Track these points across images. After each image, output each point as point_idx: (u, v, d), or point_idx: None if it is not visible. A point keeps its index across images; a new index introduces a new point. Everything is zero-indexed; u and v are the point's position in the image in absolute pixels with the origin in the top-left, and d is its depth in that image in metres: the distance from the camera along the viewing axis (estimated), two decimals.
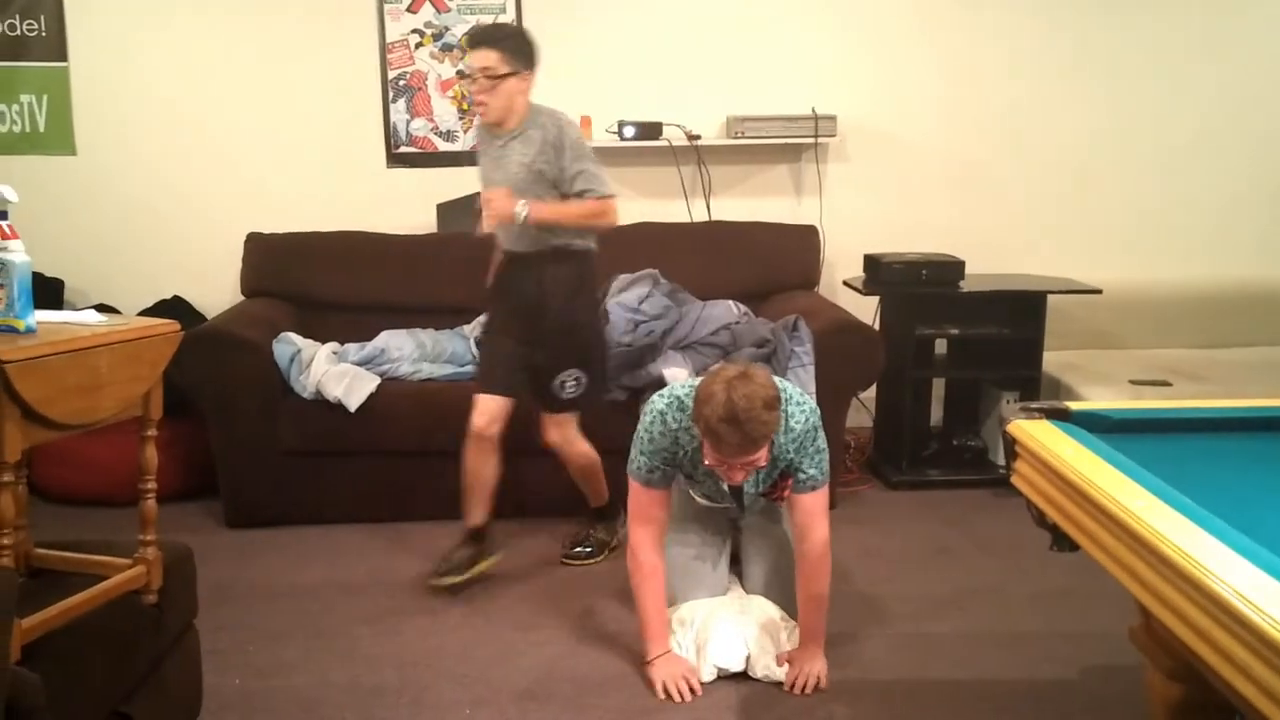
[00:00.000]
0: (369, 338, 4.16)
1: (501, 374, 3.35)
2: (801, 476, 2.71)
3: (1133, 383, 4.19)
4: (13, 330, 1.93)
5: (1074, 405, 2.23)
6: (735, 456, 2.53)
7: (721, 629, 2.85)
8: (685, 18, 4.72)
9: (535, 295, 3.31)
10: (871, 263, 4.48)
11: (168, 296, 4.62)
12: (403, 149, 4.79)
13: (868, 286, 4.45)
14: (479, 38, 3.29)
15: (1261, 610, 1.32)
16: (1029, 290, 4.37)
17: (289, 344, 3.98)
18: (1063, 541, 2.00)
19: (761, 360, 3.92)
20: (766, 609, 2.94)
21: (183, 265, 4.72)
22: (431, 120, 4.77)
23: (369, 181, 4.78)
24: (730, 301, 4.19)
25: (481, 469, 3.33)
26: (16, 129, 4.65)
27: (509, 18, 4.69)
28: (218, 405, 3.87)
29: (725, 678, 2.81)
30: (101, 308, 4.36)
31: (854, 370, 3.97)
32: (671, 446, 2.72)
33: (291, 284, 4.45)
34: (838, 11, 4.75)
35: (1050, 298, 4.33)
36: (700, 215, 4.81)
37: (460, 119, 4.77)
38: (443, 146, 4.79)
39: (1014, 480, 2.16)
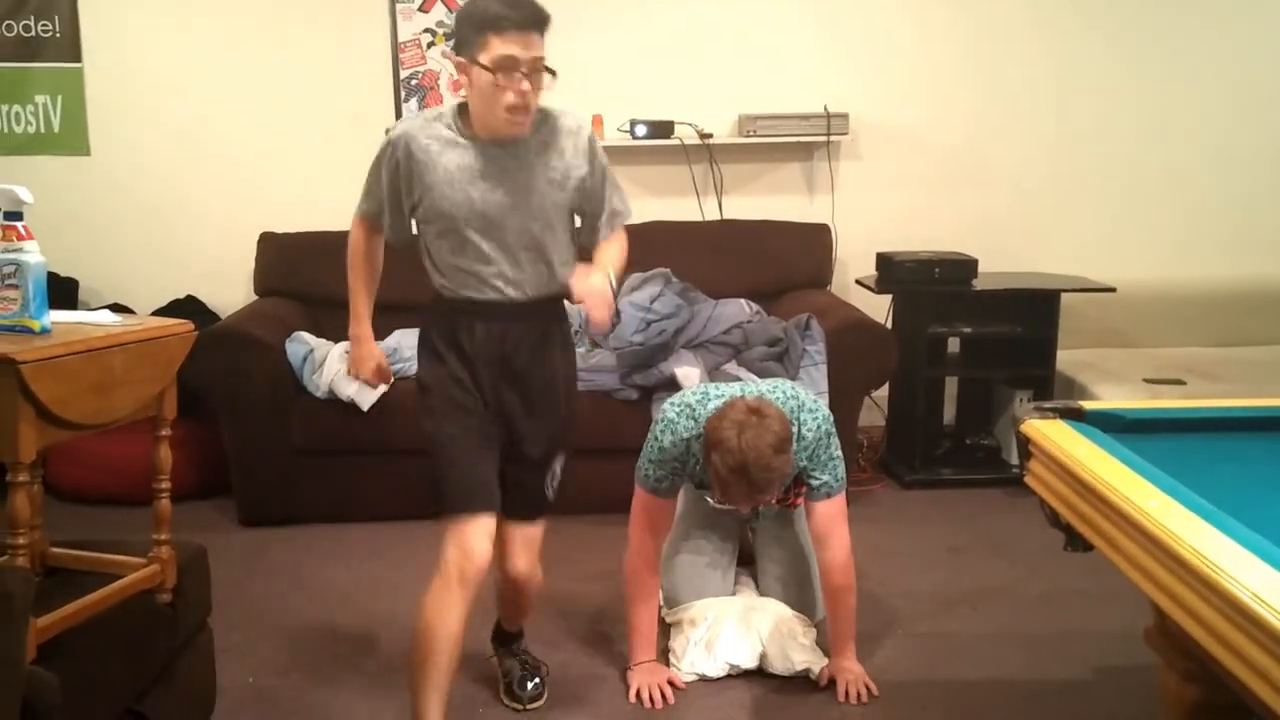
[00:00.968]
0: (381, 337, 4.14)
1: (491, 479, 2.43)
2: (814, 484, 2.69)
3: (1147, 381, 4.17)
4: (28, 330, 1.94)
5: (1088, 405, 2.22)
6: (744, 502, 2.57)
7: (733, 626, 2.84)
8: (697, 16, 4.72)
9: (541, 357, 2.45)
10: (884, 261, 4.47)
11: (181, 296, 4.64)
12: None
13: (880, 285, 4.44)
14: (529, 17, 2.26)
15: (1279, 612, 1.31)
16: (1042, 289, 4.35)
17: (302, 343, 3.99)
18: (1077, 542, 1.99)
19: (773, 359, 3.92)
20: (780, 609, 2.93)
21: (196, 265, 4.74)
22: None
23: None
24: (742, 300, 4.19)
25: (456, 625, 2.36)
26: (31, 130, 4.68)
27: None
28: (231, 405, 3.89)
29: (737, 676, 2.80)
30: (116, 308, 4.38)
31: (866, 369, 3.96)
32: (683, 455, 2.68)
33: (304, 283, 4.46)
34: (850, 9, 4.73)
35: (1064, 296, 4.32)
36: (712, 214, 4.81)
37: None
38: None
39: (1028, 480, 2.15)
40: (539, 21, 2.26)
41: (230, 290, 4.65)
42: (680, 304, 4.05)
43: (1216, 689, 1.71)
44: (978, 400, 4.60)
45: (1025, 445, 2.15)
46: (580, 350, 4.06)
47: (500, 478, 2.44)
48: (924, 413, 4.37)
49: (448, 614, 2.34)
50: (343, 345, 4.09)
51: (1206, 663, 1.59)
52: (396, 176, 2.44)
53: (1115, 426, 2.13)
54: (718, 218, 4.79)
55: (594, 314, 2.28)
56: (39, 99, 4.66)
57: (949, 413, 4.67)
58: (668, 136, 4.62)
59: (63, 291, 4.51)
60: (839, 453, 2.72)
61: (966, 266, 4.35)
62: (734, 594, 3.02)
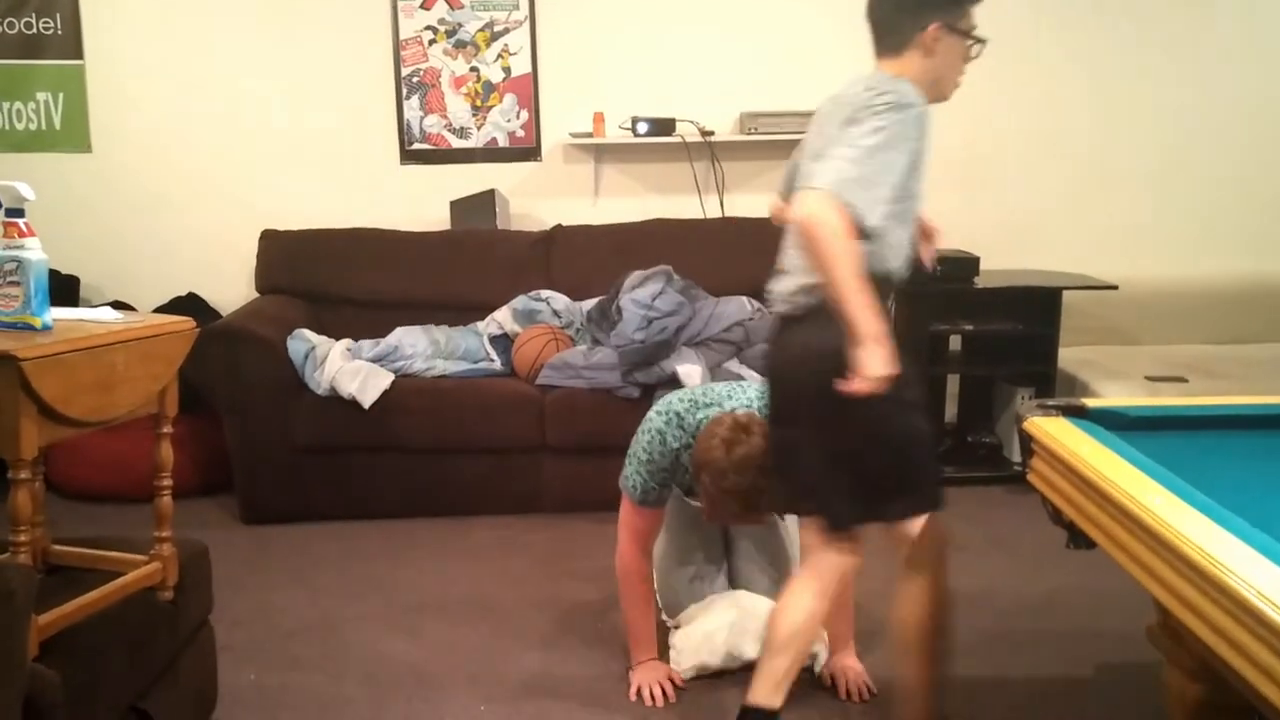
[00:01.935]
0: (383, 334, 4.17)
1: None
2: None
3: (1148, 379, 4.17)
4: (29, 328, 1.93)
5: (1091, 402, 2.22)
6: (735, 521, 2.59)
7: (734, 618, 2.83)
8: (699, 13, 4.71)
9: None
10: None
11: (183, 293, 4.64)
12: (416, 146, 4.79)
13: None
14: None
15: None
16: (1044, 286, 4.34)
17: (303, 341, 3.99)
18: (1079, 539, 1.99)
19: None
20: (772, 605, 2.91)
21: (198, 262, 4.74)
22: (445, 117, 4.77)
23: (383, 178, 4.78)
24: (744, 298, 4.18)
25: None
26: (33, 127, 4.68)
27: (523, 15, 4.69)
28: (232, 402, 3.88)
29: (737, 671, 2.80)
30: (117, 305, 4.38)
31: None
32: (671, 466, 2.64)
33: (306, 281, 4.46)
34: (852, 6, 4.70)
35: (1065, 294, 4.31)
36: (714, 211, 4.80)
37: (473, 115, 4.77)
38: (456, 144, 4.79)
39: (1030, 478, 2.15)
40: None
41: (232, 287, 4.65)
42: (682, 302, 4.04)
43: (1220, 687, 1.71)
44: (979, 398, 4.60)
45: (1028, 443, 2.15)
46: (581, 348, 4.07)
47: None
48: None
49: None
50: (344, 342, 4.10)
51: (1210, 661, 1.58)
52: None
53: (1118, 424, 2.13)
54: (719, 215, 4.78)
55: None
56: (40, 96, 4.66)
57: (950, 410, 4.66)
58: (669, 134, 4.61)
59: (64, 289, 4.51)
60: None
61: (968, 264, 4.34)
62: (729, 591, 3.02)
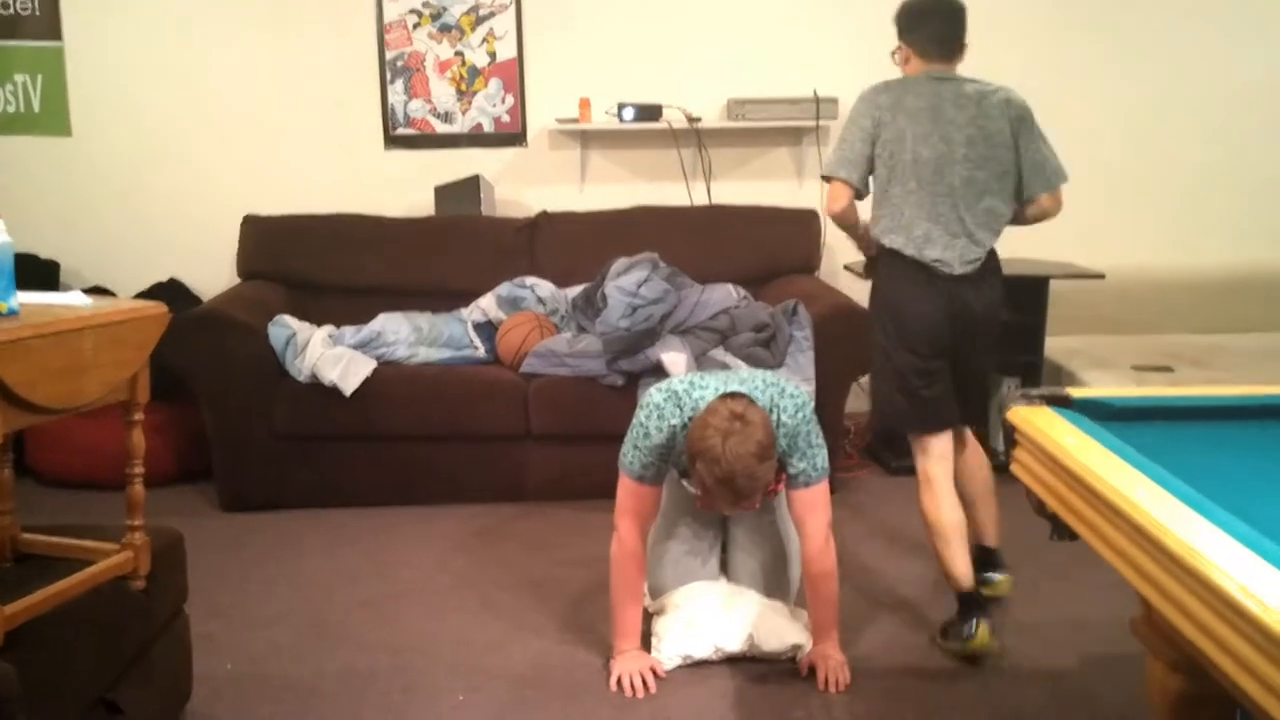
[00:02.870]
0: (365, 321, 4.13)
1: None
2: (793, 471, 2.67)
3: (1134, 368, 4.16)
4: None
5: (1076, 392, 2.19)
6: (728, 509, 2.62)
7: (718, 608, 2.82)
8: None
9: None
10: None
11: (164, 279, 4.59)
12: (400, 131, 4.74)
13: (868, 271, 4.39)
14: None
15: (1265, 604, 1.29)
16: (1031, 275, 4.31)
17: (284, 327, 3.95)
18: (1062, 531, 1.97)
19: (760, 345, 3.89)
20: (759, 597, 2.91)
21: (179, 247, 4.69)
22: (430, 102, 4.73)
23: (366, 163, 4.74)
24: (730, 285, 4.15)
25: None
26: (10, 109, 4.61)
27: None
28: (212, 388, 3.85)
29: (719, 663, 2.78)
30: (97, 290, 4.34)
31: (853, 355, 3.92)
32: (668, 443, 2.66)
33: (288, 266, 4.42)
34: None
35: (1052, 283, 4.29)
36: (700, 198, 4.77)
37: (458, 100, 4.72)
38: (441, 128, 4.74)
39: (1013, 468, 2.12)
40: None
41: (213, 273, 4.60)
42: (667, 289, 4.02)
43: (1202, 680, 1.69)
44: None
45: (1011, 433, 2.12)
46: (566, 335, 4.04)
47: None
48: None
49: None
50: (325, 329, 4.06)
51: (1192, 654, 1.57)
52: None
53: (1102, 414, 2.11)
54: (706, 202, 4.75)
55: None
56: (18, 78, 4.60)
57: None
58: (656, 120, 4.58)
59: (44, 274, 4.46)
60: (820, 441, 2.69)
61: None
62: (717, 581, 3.00)
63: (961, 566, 2.87)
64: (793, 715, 2.58)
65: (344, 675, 2.77)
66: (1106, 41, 4.78)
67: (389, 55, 4.69)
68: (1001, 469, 2.45)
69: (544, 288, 4.31)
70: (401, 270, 4.42)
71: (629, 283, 3.98)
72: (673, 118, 4.59)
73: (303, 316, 4.14)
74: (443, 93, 4.73)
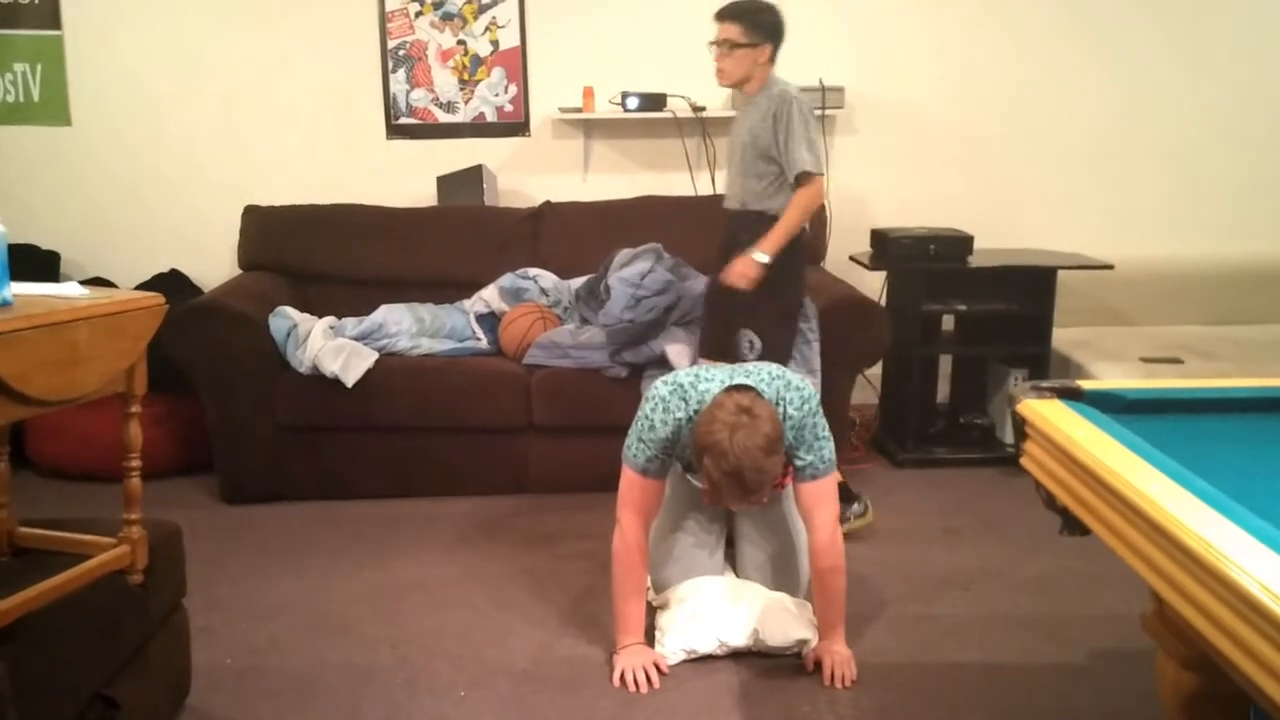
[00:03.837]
0: (367, 312, 4.10)
1: None
2: (800, 464, 2.64)
3: (1143, 360, 4.12)
4: None
5: (1087, 384, 2.16)
6: (737, 504, 2.59)
7: (723, 602, 2.80)
8: None
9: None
10: (878, 237, 4.40)
11: (165, 270, 4.57)
12: (403, 120, 4.71)
13: (874, 262, 4.37)
14: (723, 12, 3.43)
15: None
16: (1039, 266, 4.28)
17: (285, 318, 3.93)
18: (1073, 525, 1.93)
19: None
20: (765, 591, 2.88)
21: (180, 238, 4.67)
22: (432, 91, 4.69)
23: (368, 153, 4.71)
24: None
25: None
26: (10, 99, 4.58)
27: None
28: (213, 380, 3.82)
29: (724, 658, 2.76)
30: (98, 281, 4.32)
31: (860, 347, 3.90)
32: (673, 436, 2.64)
33: (289, 257, 4.40)
34: None
35: (1060, 273, 4.25)
36: (705, 189, 4.73)
37: (461, 89, 4.69)
38: (443, 118, 4.71)
39: (1023, 462, 2.09)
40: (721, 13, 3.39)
41: (214, 264, 4.57)
42: (671, 280, 3.98)
43: (1215, 677, 1.66)
44: (972, 378, 4.55)
45: (1021, 426, 2.09)
46: (569, 327, 4.01)
47: None
48: (917, 391, 4.33)
49: None
50: (326, 320, 4.03)
51: (1205, 651, 1.53)
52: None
53: (1115, 407, 2.07)
54: (710, 192, 4.71)
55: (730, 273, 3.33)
56: (18, 67, 4.57)
57: (943, 391, 4.62)
58: (660, 109, 4.54)
59: (44, 265, 4.44)
60: (827, 434, 2.67)
61: (962, 243, 4.28)
62: (723, 574, 2.97)
63: None
64: (798, 710, 2.56)
65: (344, 669, 2.74)
66: (1119, 33, 4.73)
67: (391, 44, 4.65)
68: (1011, 462, 2.42)
69: (547, 279, 4.28)
70: (403, 261, 4.39)
71: (632, 274, 3.95)
72: (677, 107, 4.55)
73: (304, 307, 4.12)
74: (445, 82, 4.69)
